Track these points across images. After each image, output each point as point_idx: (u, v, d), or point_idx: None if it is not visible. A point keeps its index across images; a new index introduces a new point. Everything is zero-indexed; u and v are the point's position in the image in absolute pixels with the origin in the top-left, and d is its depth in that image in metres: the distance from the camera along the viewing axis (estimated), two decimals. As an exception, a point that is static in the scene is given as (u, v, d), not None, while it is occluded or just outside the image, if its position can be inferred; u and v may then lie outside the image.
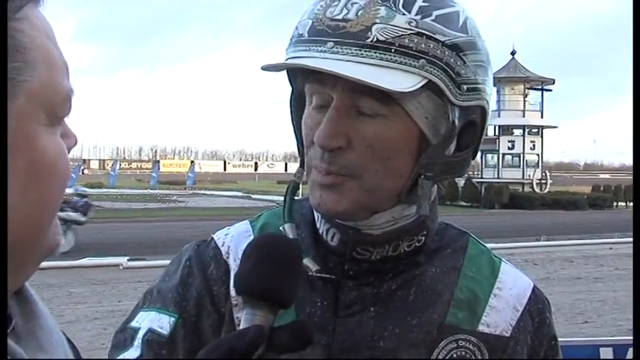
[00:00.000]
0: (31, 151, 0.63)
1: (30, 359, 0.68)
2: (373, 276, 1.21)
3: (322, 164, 1.14)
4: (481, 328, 1.21)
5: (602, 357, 3.89)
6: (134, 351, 1.19)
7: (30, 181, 0.64)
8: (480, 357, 1.20)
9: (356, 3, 1.10)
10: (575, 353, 3.78)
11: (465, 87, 1.13)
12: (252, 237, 1.26)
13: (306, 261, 1.16)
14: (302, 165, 1.25)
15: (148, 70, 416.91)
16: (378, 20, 1.09)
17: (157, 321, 1.22)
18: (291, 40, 1.17)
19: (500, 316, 1.23)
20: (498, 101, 41.96)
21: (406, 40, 1.09)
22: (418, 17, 1.10)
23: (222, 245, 1.28)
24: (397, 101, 1.10)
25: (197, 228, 24.30)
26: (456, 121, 1.15)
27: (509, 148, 42.97)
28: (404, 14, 1.10)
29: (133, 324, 1.23)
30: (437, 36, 1.11)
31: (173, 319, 1.22)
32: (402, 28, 1.09)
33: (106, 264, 14.09)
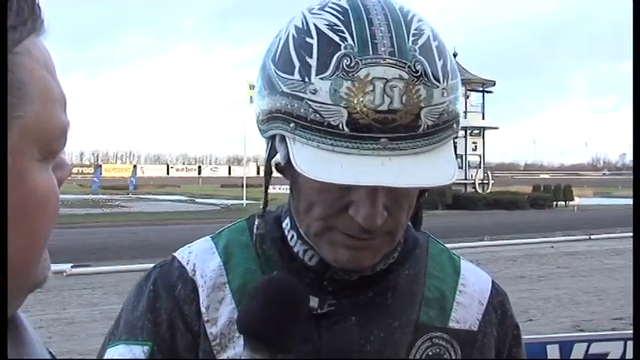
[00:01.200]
0: (22, 189, 0.62)
1: None
2: (350, 290, 1.22)
3: (363, 235, 1.12)
4: (451, 324, 1.25)
5: (549, 354, 3.97)
6: None
7: (19, 217, 0.63)
8: (452, 352, 1.24)
9: (395, 87, 1.03)
10: (523, 351, 3.83)
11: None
12: (216, 254, 1.26)
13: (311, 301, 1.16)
14: (263, 215, 1.25)
15: (88, 74, 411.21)
16: (422, 104, 1.05)
17: (128, 353, 1.20)
18: (305, 119, 1.05)
19: (467, 311, 1.27)
20: (440, 103, 42.22)
21: (445, 115, 1.08)
22: (445, 83, 1.08)
23: (187, 263, 1.26)
24: None
25: (141, 232, 24.06)
26: None
27: (451, 150, 43.34)
28: (437, 86, 1.07)
29: None
30: (458, 93, 1.12)
31: (147, 347, 1.20)
32: (440, 104, 1.07)
33: (49, 271, 13.78)
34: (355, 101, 1.02)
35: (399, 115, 1.03)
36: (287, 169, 1.11)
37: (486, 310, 1.29)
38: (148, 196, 53.49)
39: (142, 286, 1.27)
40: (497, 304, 1.32)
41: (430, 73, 1.06)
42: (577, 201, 46.70)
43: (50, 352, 0.79)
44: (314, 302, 1.16)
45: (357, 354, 1.19)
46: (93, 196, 49.88)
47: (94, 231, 25.76)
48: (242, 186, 41.82)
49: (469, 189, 43.21)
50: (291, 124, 1.07)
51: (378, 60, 1.03)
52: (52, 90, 0.66)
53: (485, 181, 43.52)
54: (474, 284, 1.31)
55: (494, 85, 45.45)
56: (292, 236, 1.24)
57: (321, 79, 1.04)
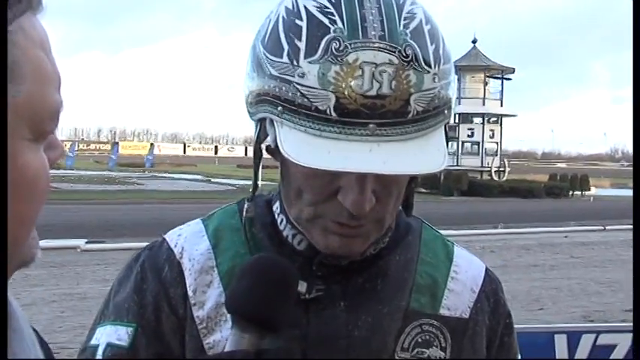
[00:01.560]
0: (13, 169, 0.62)
1: None
2: (340, 275, 1.22)
3: (352, 222, 1.12)
4: (442, 311, 1.25)
5: (556, 343, 3.96)
6: None
7: (9, 197, 0.62)
8: (442, 339, 1.23)
9: (384, 72, 1.02)
10: (530, 339, 3.83)
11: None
12: (205, 237, 1.26)
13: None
14: (253, 197, 1.25)
15: (109, 51, 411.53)
16: (412, 89, 1.04)
17: (114, 334, 1.21)
18: (292, 103, 1.04)
19: (458, 298, 1.27)
20: (459, 89, 42.03)
21: (436, 101, 1.07)
22: (437, 68, 1.07)
23: (175, 246, 1.26)
24: None
25: (156, 211, 24.11)
26: None
27: (468, 136, 43.22)
28: (428, 72, 1.06)
29: (92, 342, 1.22)
30: (449, 77, 1.11)
31: (131, 328, 1.20)
32: (431, 90, 1.06)
33: (63, 246, 13.90)
34: (343, 86, 1.01)
35: (388, 100, 1.02)
36: (277, 152, 1.10)
37: (478, 298, 1.28)
38: (164, 175, 53.59)
39: (132, 266, 1.27)
40: (490, 292, 1.31)
41: (421, 58, 1.04)
42: (593, 191, 46.45)
43: (35, 330, 0.79)
44: (302, 287, 1.15)
45: (344, 340, 1.18)
46: (109, 173, 50.00)
47: (109, 208, 25.88)
48: (258, 167, 41.71)
49: (485, 176, 43.08)
50: (279, 108, 1.06)
51: (367, 44, 1.02)
52: (46, 69, 0.66)
53: (501, 169, 43.39)
54: (466, 271, 1.30)
55: (513, 72, 45.27)
56: (282, 220, 1.24)
57: (310, 62, 1.03)
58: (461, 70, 41.15)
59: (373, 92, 1.01)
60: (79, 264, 12.67)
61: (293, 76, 1.04)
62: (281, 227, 1.24)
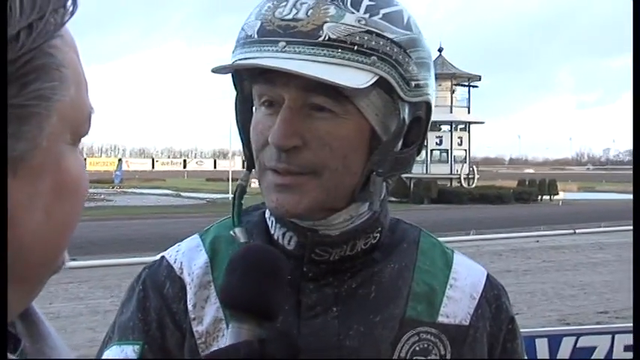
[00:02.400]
0: (58, 172, 0.62)
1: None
2: (332, 276, 1.21)
3: (280, 164, 1.13)
4: (440, 319, 1.23)
5: (537, 347, 3.98)
6: None
7: (54, 202, 0.63)
8: (441, 347, 1.22)
9: (305, 3, 1.11)
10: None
11: (412, 83, 1.15)
12: (203, 251, 1.27)
13: None
14: (249, 168, 1.25)
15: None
16: (328, 19, 1.10)
17: (119, 353, 1.21)
18: (237, 41, 1.17)
19: (457, 305, 1.25)
20: (426, 98, 42.29)
21: (357, 38, 1.10)
22: (367, 15, 1.11)
23: (175, 262, 1.27)
24: (349, 99, 1.12)
25: (127, 227, 24.01)
26: (406, 118, 1.17)
27: (437, 144, 43.49)
28: (353, 13, 1.11)
29: None
30: (385, 33, 1.12)
31: (138, 346, 1.20)
32: (352, 26, 1.10)
33: (33, 265, 13.70)
34: (269, 14, 1.13)
35: (301, 23, 1.10)
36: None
37: (479, 304, 1.27)
38: (134, 190, 53.45)
39: (134, 287, 1.27)
40: (492, 297, 1.29)
41: (348, 2, 1.12)
42: (562, 195, 46.96)
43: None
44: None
45: (335, 351, 1.18)
46: (78, 190, 49.57)
47: (79, 225, 25.39)
48: (228, 180, 41.85)
49: (455, 183, 43.40)
50: (234, 48, 1.18)
51: None
52: (82, 74, 0.66)
53: (470, 176, 43.73)
54: (465, 278, 1.29)
55: (479, 79, 45.69)
56: (272, 222, 1.24)
57: (256, 7, 1.17)
58: (428, 78, 41.39)
59: (290, 16, 1.11)
60: (51, 283, 12.10)
61: (245, 22, 1.17)
62: (272, 230, 1.24)
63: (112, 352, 1.21)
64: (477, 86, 45.98)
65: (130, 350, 1.20)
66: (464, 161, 44.32)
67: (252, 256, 1.09)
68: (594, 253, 17.55)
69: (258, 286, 1.04)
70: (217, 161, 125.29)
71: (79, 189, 0.66)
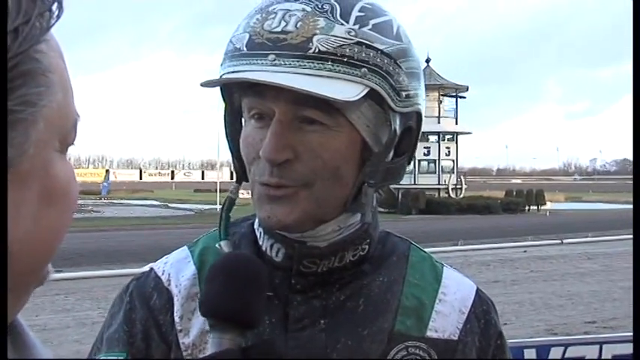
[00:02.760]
0: (46, 179, 0.61)
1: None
2: (320, 288, 1.21)
3: (272, 179, 1.12)
4: (429, 333, 1.22)
5: (526, 357, 3.98)
6: None
7: (42, 209, 0.61)
8: None
9: (294, 15, 1.10)
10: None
11: (403, 94, 1.15)
12: (191, 263, 1.26)
13: None
14: (238, 181, 1.25)
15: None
16: (318, 31, 1.09)
17: None
18: (226, 54, 1.16)
19: (446, 320, 1.24)
20: (414, 108, 42.31)
21: (347, 50, 1.10)
22: (356, 27, 1.11)
23: (163, 274, 1.26)
24: (340, 111, 1.11)
25: (114, 238, 23.90)
26: (397, 128, 1.17)
27: (424, 154, 43.53)
28: (342, 24, 1.10)
29: None
30: (375, 44, 1.12)
31: (122, 357, 1.20)
32: (342, 38, 1.10)
33: (20, 277, 13.63)
34: (257, 26, 1.12)
35: (290, 35, 1.09)
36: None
37: (467, 319, 1.25)
38: (121, 201, 53.32)
39: (122, 298, 1.27)
40: (480, 312, 1.28)
41: (338, 13, 1.11)
42: (549, 206, 47.11)
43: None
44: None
45: None
46: (65, 202, 49.37)
47: (66, 236, 25.41)
48: (216, 191, 41.85)
49: (442, 194, 43.48)
50: (222, 61, 1.17)
51: (290, 0, 1.13)
52: (68, 79, 0.65)
53: (458, 186, 43.83)
54: (455, 292, 1.27)
55: (467, 90, 45.84)
56: (260, 233, 1.24)
57: (244, 18, 1.16)
58: (415, 89, 41.51)
59: (278, 29, 1.10)
60: (38, 295, 12.32)
61: (233, 35, 1.17)
62: (260, 242, 1.24)
63: None
64: (464, 97, 46.13)
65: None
66: (451, 172, 44.41)
67: (230, 265, 1.08)
68: (581, 263, 17.61)
69: (238, 295, 1.03)
70: (205, 172, 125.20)
71: (67, 196, 0.65)
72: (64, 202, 0.64)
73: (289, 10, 1.10)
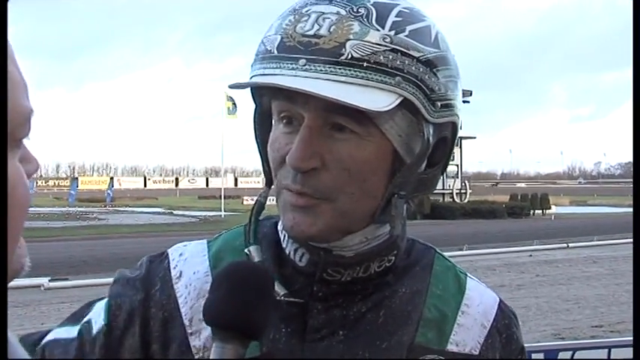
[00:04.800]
0: None
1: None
2: (342, 297, 1.17)
3: (295, 185, 1.09)
4: (450, 347, 1.18)
5: (534, 362, 3.97)
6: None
7: None
8: None
9: (328, 18, 1.05)
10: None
11: (439, 104, 1.10)
12: (205, 258, 1.23)
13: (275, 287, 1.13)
14: (268, 184, 1.21)
15: (70, 87, 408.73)
16: (351, 36, 1.04)
17: (91, 325, 1.18)
18: (256, 55, 1.11)
19: (468, 334, 1.20)
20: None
21: (381, 57, 1.04)
22: (392, 33, 1.05)
23: (175, 268, 1.23)
24: (372, 120, 1.07)
25: (119, 245, 23.89)
26: (430, 139, 1.12)
27: (429, 159, 43.56)
28: (378, 30, 1.05)
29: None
30: (411, 52, 1.07)
31: (103, 323, 1.17)
32: (376, 44, 1.04)
33: (26, 285, 13.64)
34: (290, 28, 1.07)
35: (323, 40, 1.04)
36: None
37: (489, 334, 1.22)
38: (126, 209, 53.38)
39: (133, 270, 1.25)
40: (502, 327, 1.24)
41: (373, 18, 1.06)
42: (554, 209, 47.07)
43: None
44: (280, 289, 1.14)
45: None
46: (70, 209, 49.53)
47: (71, 244, 25.57)
48: (220, 197, 41.79)
49: (447, 198, 43.46)
50: (252, 62, 1.13)
51: (325, 1, 1.08)
52: (13, 74, 0.64)
53: (463, 191, 43.82)
54: (478, 305, 1.23)
55: (470, 94, 45.83)
56: (284, 236, 1.20)
57: (277, 19, 1.11)
58: (419, 94, 41.61)
59: (311, 32, 1.05)
60: (43, 303, 12.47)
61: (265, 34, 1.12)
62: (284, 244, 1.20)
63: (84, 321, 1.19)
64: (468, 101, 46.08)
65: (99, 324, 1.18)
66: (456, 176, 44.42)
67: (236, 274, 1.06)
68: (587, 267, 17.57)
69: (241, 304, 1.01)
70: (209, 179, 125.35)
71: (14, 194, 0.63)
72: (11, 201, 0.63)
73: (323, 13, 1.06)
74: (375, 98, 1.03)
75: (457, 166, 44.87)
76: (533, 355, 3.99)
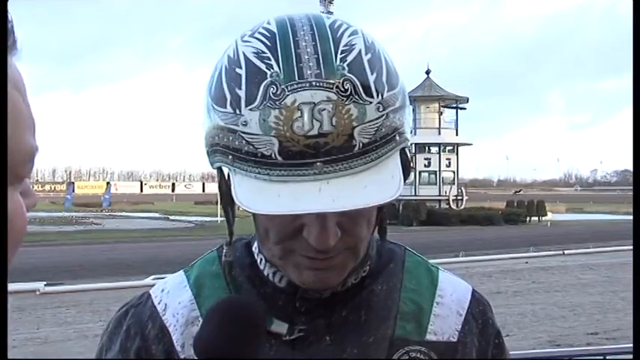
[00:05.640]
0: None
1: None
2: (324, 308, 1.21)
3: (321, 255, 1.09)
4: (429, 337, 1.23)
5: (529, 370, 3.97)
6: None
7: None
8: None
9: (323, 110, 1.00)
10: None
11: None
12: (187, 288, 1.26)
13: (275, 327, 1.16)
14: (231, 243, 1.23)
15: (68, 92, 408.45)
16: (355, 123, 1.01)
17: None
18: (244, 154, 1.03)
19: (445, 322, 1.25)
20: (415, 120, 42.48)
21: (383, 130, 1.04)
22: (381, 97, 1.04)
23: (159, 303, 1.26)
24: None
25: (115, 250, 23.88)
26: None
27: (425, 166, 43.61)
28: (370, 102, 1.03)
29: None
30: (397, 104, 1.07)
31: None
32: (375, 120, 1.03)
33: (22, 290, 13.65)
34: (285, 129, 1.00)
35: (331, 137, 1.00)
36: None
37: (465, 320, 1.27)
38: (122, 214, 53.40)
39: (121, 321, 1.27)
40: (478, 313, 1.30)
41: (361, 90, 1.02)
42: (550, 216, 47.13)
43: None
44: (282, 328, 1.16)
45: None
46: (66, 214, 49.50)
47: (67, 249, 25.56)
48: (216, 203, 41.75)
49: (443, 205, 43.49)
50: (230, 157, 1.05)
51: (304, 85, 1.00)
52: (22, 112, 0.64)
53: (459, 197, 43.84)
54: (451, 294, 1.29)
55: (467, 102, 45.96)
56: (261, 259, 1.23)
57: (251, 110, 1.02)
58: (416, 100, 41.72)
59: (315, 131, 1.00)
60: (39, 307, 12.45)
61: (237, 125, 1.03)
62: (261, 267, 1.23)
63: None
64: (464, 108, 46.24)
65: None
66: (452, 183, 44.44)
67: (227, 308, 1.08)
68: (583, 274, 17.60)
69: (233, 339, 1.04)
70: (206, 184, 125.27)
71: (13, 227, 0.64)
72: (8, 233, 0.63)
73: (315, 104, 1.00)
74: (389, 179, 1.03)
75: (453, 172, 44.89)
76: (529, 362, 3.99)
